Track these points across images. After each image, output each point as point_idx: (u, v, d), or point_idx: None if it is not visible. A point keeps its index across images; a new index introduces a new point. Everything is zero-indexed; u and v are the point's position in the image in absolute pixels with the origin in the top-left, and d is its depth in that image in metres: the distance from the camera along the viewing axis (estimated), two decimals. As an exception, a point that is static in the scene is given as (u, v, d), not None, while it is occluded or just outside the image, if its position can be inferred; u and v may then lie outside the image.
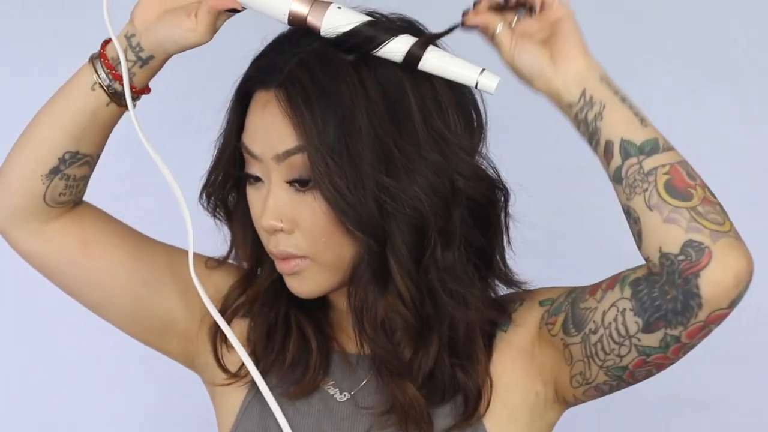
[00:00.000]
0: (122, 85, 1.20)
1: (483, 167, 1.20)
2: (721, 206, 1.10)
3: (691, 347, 1.13)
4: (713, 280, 1.08)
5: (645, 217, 1.10)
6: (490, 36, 1.16)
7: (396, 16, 1.20)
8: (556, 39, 1.14)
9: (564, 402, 1.25)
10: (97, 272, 1.27)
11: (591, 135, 1.14)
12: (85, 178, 1.26)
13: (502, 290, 1.27)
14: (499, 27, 1.15)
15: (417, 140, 1.15)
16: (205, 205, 1.25)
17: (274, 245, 1.19)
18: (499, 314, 1.24)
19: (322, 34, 1.15)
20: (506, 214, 1.22)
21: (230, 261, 1.30)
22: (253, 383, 1.26)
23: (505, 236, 1.23)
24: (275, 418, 1.23)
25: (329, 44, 1.15)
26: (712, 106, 1.91)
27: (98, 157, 1.26)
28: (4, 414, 1.99)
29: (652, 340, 1.12)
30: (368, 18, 1.16)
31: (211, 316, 1.24)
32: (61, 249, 1.26)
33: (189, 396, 1.62)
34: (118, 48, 1.19)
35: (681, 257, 1.08)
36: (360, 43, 1.15)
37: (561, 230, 1.81)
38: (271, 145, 1.16)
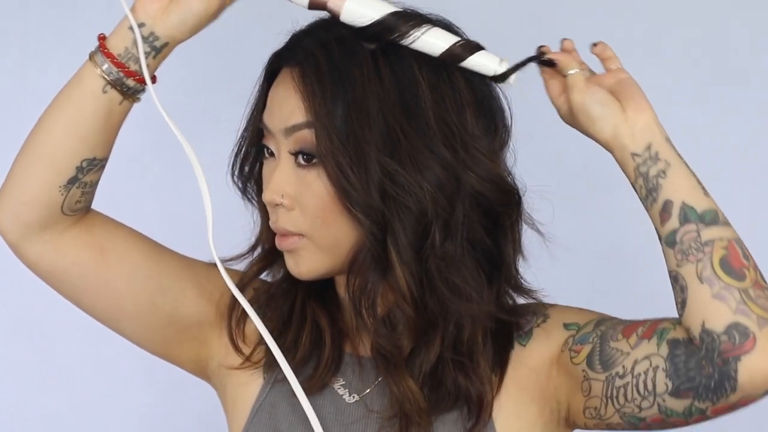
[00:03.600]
0: (134, 80, 1.19)
1: (499, 170, 1.20)
2: None
3: (711, 419, 1.13)
4: (753, 367, 1.08)
5: (694, 287, 1.10)
6: (563, 74, 1.20)
7: (435, 17, 1.21)
8: (625, 91, 1.17)
9: (574, 425, 1.24)
10: (113, 280, 1.24)
11: (649, 191, 1.14)
12: (97, 182, 1.24)
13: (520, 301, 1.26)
14: (576, 69, 1.19)
15: (427, 133, 1.16)
16: (235, 181, 1.26)
17: (274, 220, 1.20)
18: (511, 317, 1.23)
19: (341, 20, 1.17)
20: (519, 220, 1.22)
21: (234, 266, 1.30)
22: (264, 384, 1.26)
23: (516, 242, 1.22)
24: (286, 421, 1.23)
25: (356, 33, 1.17)
26: (713, 106, 1.91)
27: (107, 158, 1.24)
28: (4, 414, 1.99)
29: (677, 405, 1.12)
30: (393, 9, 1.17)
31: (229, 304, 1.26)
32: (76, 259, 1.24)
33: (189, 396, 1.63)
34: (137, 32, 1.17)
35: (724, 337, 1.08)
36: (380, 32, 1.16)
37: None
38: (281, 118, 1.18)
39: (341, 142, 1.14)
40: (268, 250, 1.27)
